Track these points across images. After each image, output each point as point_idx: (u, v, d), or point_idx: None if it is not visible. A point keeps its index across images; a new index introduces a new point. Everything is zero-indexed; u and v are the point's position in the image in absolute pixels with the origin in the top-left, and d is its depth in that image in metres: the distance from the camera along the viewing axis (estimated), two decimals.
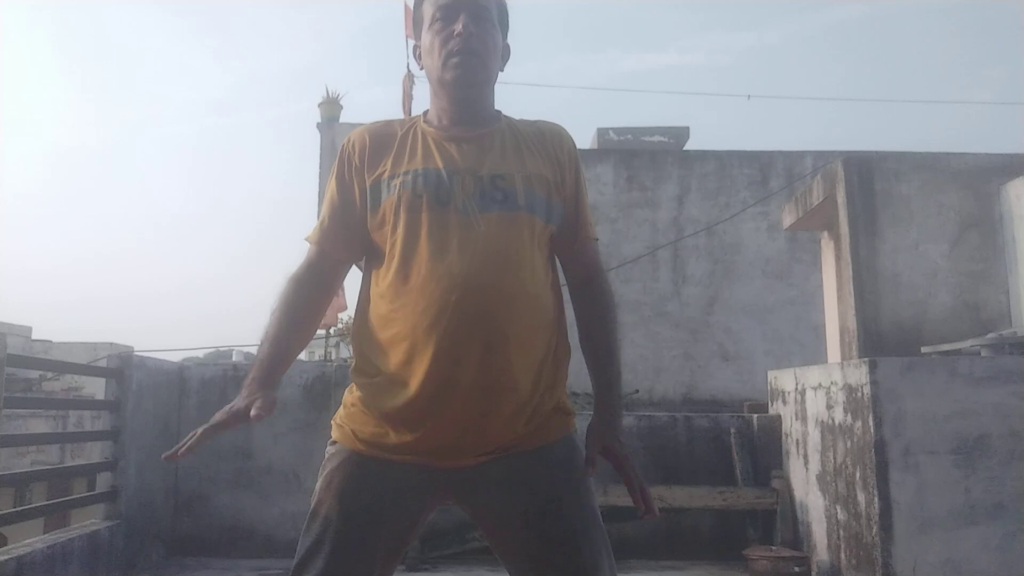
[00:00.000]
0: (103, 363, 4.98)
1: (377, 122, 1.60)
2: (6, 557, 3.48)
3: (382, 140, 1.54)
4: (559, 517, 1.42)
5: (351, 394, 1.55)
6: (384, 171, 1.51)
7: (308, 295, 1.57)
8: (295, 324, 1.57)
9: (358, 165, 1.53)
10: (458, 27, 1.50)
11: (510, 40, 1.64)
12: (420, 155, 1.50)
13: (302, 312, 1.57)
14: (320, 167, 9.41)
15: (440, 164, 1.48)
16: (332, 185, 1.57)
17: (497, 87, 1.60)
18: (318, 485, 1.49)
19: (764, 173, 9.13)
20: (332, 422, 1.57)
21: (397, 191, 1.47)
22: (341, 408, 1.57)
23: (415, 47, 1.62)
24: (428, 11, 1.57)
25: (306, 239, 1.59)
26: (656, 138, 9.66)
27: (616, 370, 1.57)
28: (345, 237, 1.55)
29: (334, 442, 1.53)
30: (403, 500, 1.46)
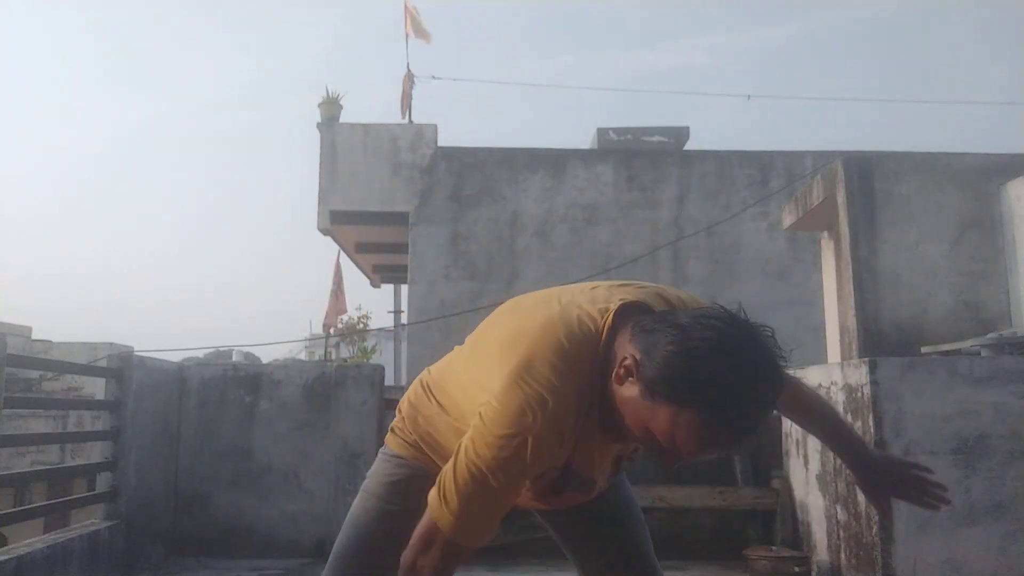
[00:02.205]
0: (103, 363, 4.98)
1: (561, 411, 1.25)
2: (6, 557, 3.48)
3: (561, 435, 1.28)
4: (625, 505, 1.69)
5: (422, 426, 1.56)
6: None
7: None
8: None
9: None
10: (689, 457, 1.26)
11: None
12: (582, 455, 1.38)
13: None
14: (320, 167, 9.40)
15: (593, 468, 1.44)
16: (507, 488, 1.26)
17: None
18: (379, 484, 1.58)
19: (764, 173, 9.13)
20: (392, 433, 1.63)
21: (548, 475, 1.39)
22: (407, 422, 1.59)
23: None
24: (695, 418, 1.17)
25: (452, 538, 1.28)
26: (656, 138, 9.65)
27: (844, 426, 1.72)
28: None
29: (398, 456, 1.59)
30: None
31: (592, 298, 1.36)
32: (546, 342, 1.27)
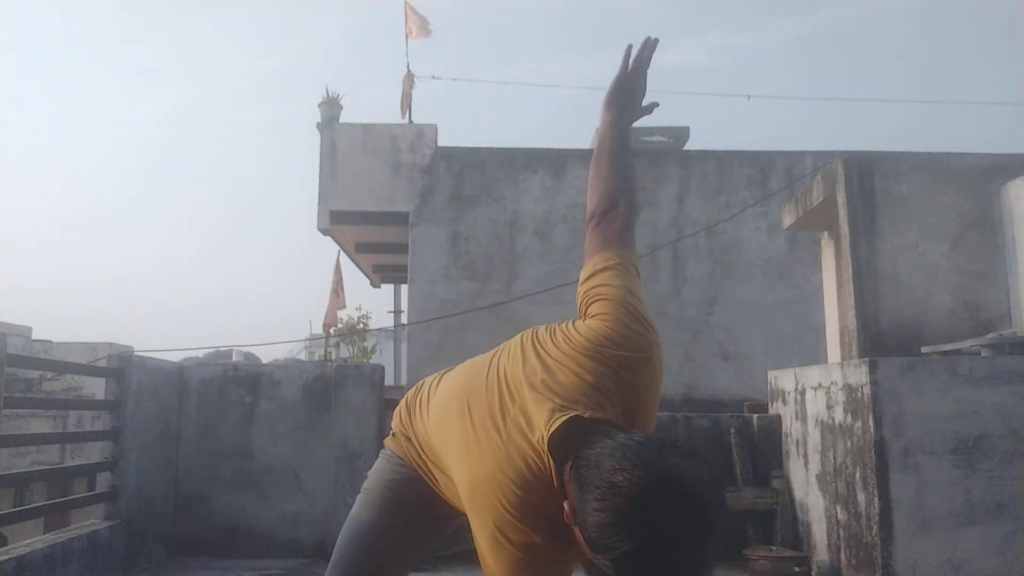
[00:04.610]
0: (103, 363, 4.98)
1: (543, 555, 1.30)
2: (6, 557, 3.48)
3: None
4: None
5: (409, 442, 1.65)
6: None
7: None
8: None
9: None
10: None
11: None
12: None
13: None
14: (320, 167, 9.40)
15: None
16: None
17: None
18: (380, 481, 1.66)
19: (764, 173, 9.13)
20: (393, 437, 1.71)
21: None
22: (400, 435, 1.68)
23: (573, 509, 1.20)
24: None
25: None
26: (656, 138, 9.64)
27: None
28: None
29: (398, 458, 1.66)
30: (446, 513, 1.64)
31: (526, 415, 1.32)
32: (503, 500, 1.29)
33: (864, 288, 5.72)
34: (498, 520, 1.30)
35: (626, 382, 1.33)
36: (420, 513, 1.60)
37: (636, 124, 1.80)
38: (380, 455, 1.71)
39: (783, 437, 5.26)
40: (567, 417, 1.27)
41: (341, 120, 9.59)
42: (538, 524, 1.28)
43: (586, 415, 1.26)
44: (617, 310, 1.42)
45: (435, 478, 1.56)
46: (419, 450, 1.60)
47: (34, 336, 12.37)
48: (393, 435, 1.71)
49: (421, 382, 1.71)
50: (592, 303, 1.46)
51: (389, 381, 6.02)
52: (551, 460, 1.26)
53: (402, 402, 1.70)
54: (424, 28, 10.07)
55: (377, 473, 1.68)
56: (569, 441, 1.23)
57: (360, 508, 1.65)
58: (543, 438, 1.27)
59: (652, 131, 9.73)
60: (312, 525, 5.16)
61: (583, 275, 1.52)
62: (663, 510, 1.07)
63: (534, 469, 1.28)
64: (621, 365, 1.35)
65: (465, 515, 1.50)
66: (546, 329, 1.47)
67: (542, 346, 1.43)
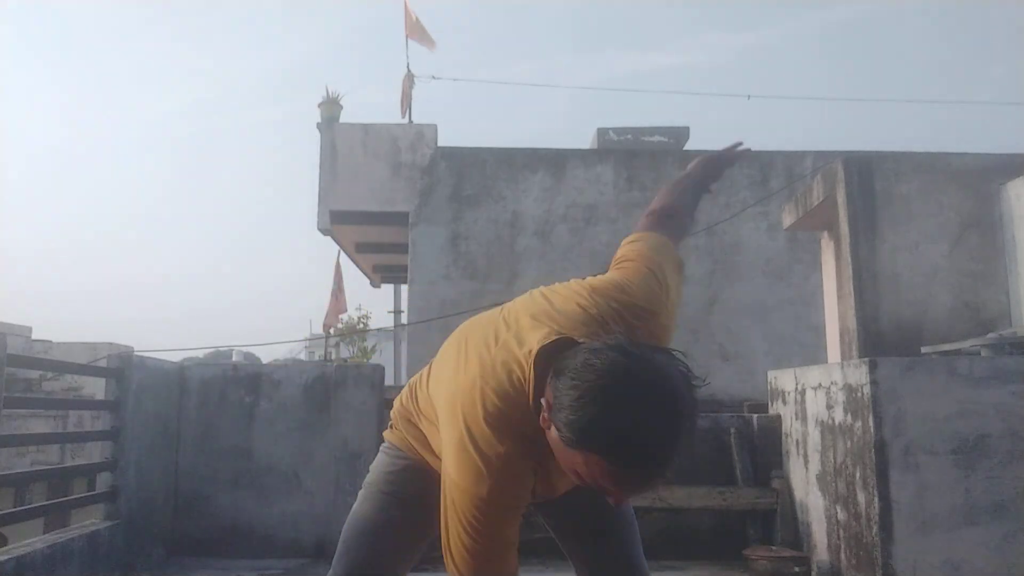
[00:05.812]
0: (103, 363, 4.98)
1: (507, 465, 1.29)
2: (6, 557, 3.48)
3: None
4: (607, 511, 1.63)
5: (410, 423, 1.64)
6: None
7: None
8: None
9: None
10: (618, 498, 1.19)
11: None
12: (544, 485, 1.45)
13: None
14: (320, 167, 9.40)
15: (554, 492, 1.51)
16: (501, 543, 1.36)
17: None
18: (378, 475, 1.66)
19: (764, 173, 9.13)
20: (390, 428, 1.71)
21: None
22: (399, 419, 1.68)
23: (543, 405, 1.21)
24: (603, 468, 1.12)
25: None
26: (656, 138, 9.65)
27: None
28: None
29: (396, 447, 1.66)
30: None
31: (519, 337, 1.34)
32: (479, 404, 1.30)
33: (864, 288, 5.72)
34: (469, 422, 1.29)
35: (631, 327, 1.32)
36: (419, 504, 1.60)
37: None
38: (380, 450, 1.72)
39: (783, 437, 5.26)
40: (560, 337, 1.27)
41: (341, 120, 9.59)
42: (507, 432, 1.27)
43: (580, 341, 1.24)
44: (638, 265, 1.46)
45: (430, 446, 1.55)
46: (418, 418, 1.60)
47: (34, 336, 12.36)
48: (391, 426, 1.71)
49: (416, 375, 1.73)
50: (621, 260, 1.51)
51: (389, 381, 6.01)
52: (532, 371, 1.26)
53: (404, 388, 1.72)
54: (426, 38, 10.07)
55: (376, 468, 1.69)
56: (555, 358, 1.23)
57: (360, 503, 1.66)
58: (531, 352, 1.28)
59: (652, 131, 9.74)
60: (312, 525, 5.16)
61: (627, 239, 1.57)
62: (636, 388, 1.08)
63: (516, 382, 1.29)
64: (627, 309, 1.36)
65: None
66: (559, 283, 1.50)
67: (551, 289, 1.46)
